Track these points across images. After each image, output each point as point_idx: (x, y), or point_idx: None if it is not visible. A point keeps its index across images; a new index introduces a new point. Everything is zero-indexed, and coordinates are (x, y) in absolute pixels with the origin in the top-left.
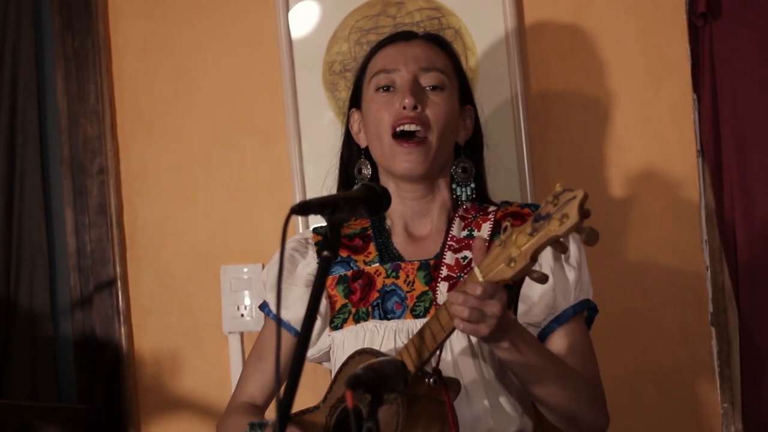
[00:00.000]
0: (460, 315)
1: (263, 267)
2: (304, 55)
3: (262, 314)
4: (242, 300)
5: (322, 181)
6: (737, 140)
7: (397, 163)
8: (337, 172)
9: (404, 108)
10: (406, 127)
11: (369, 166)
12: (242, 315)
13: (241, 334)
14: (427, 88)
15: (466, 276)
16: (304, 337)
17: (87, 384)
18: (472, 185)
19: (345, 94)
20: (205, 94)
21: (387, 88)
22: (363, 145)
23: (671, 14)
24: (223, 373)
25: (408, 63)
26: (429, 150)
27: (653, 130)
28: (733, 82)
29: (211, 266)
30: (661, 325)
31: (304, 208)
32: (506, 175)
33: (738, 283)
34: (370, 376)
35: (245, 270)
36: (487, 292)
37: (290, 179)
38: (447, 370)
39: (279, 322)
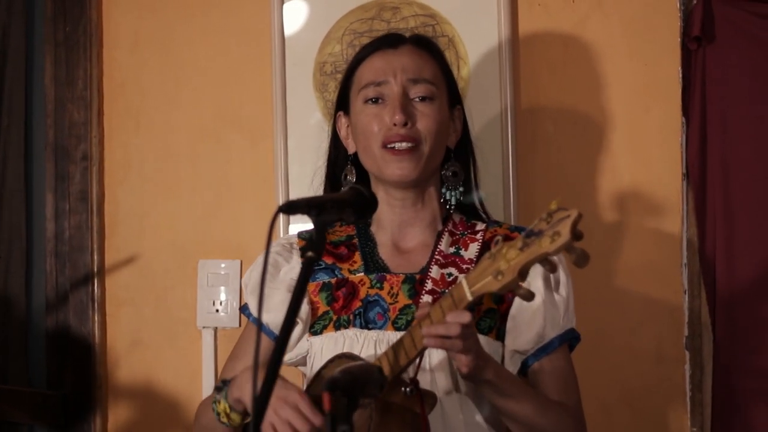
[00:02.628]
0: (428, 343)
1: (242, 264)
2: (296, 54)
3: (236, 310)
4: (218, 295)
5: (307, 181)
6: (723, 166)
7: (389, 170)
8: (324, 173)
9: (395, 125)
10: (397, 146)
11: (354, 173)
12: (217, 310)
13: (215, 330)
14: (417, 99)
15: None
16: (282, 338)
17: (57, 370)
18: (461, 189)
19: (334, 96)
20: (194, 89)
21: (376, 100)
22: (351, 151)
23: (665, 36)
24: (195, 368)
25: (396, 74)
26: (421, 157)
27: (640, 151)
28: (722, 108)
29: (189, 260)
30: (636, 346)
31: (292, 208)
32: (491, 187)
33: (715, 308)
34: (347, 379)
35: (223, 265)
36: (447, 327)
37: (274, 177)
38: (424, 382)
39: (260, 325)
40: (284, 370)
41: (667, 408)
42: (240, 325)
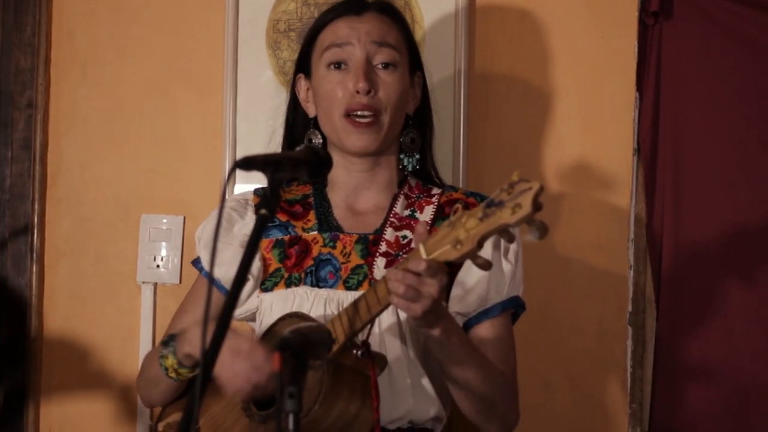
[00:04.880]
0: (396, 290)
1: (185, 219)
2: (250, 11)
3: (177, 266)
4: (159, 251)
5: (255, 138)
6: (674, 143)
7: (349, 141)
8: (282, 134)
9: (358, 92)
10: (359, 114)
11: (319, 136)
12: (158, 266)
13: (155, 285)
14: (379, 66)
15: (405, 254)
16: (234, 294)
17: None
18: (417, 156)
19: (287, 54)
20: (144, 41)
21: (339, 65)
22: (311, 114)
23: (623, 10)
24: (133, 323)
25: (360, 38)
26: (381, 129)
27: (592, 124)
28: (676, 84)
29: (131, 214)
30: (579, 321)
31: (248, 164)
32: (441, 151)
33: (659, 285)
34: (298, 340)
35: (165, 221)
36: (428, 271)
37: (222, 134)
38: (373, 345)
39: (212, 282)
40: (234, 325)
41: (608, 384)
42: (181, 282)
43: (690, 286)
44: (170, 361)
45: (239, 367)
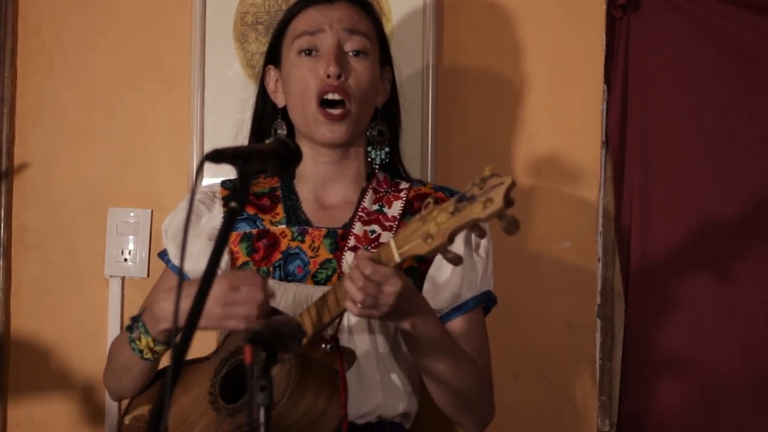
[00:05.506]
0: (354, 298)
1: (152, 213)
2: (217, 3)
3: (145, 260)
4: (127, 244)
5: (223, 131)
6: (642, 135)
7: (320, 132)
8: (249, 127)
9: (328, 76)
10: (330, 96)
11: (285, 127)
12: (125, 259)
13: (123, 279)
14: (350, 54)
15: (373, 249)
16: (204, 288)
17: None
18: (386, 149)
19: (255, 47)
20: (111, 33)
21: (310, 52)
22: (281, 104)
23: (591, 3)
24: (101, 317)
25: (332, 24)
26: (351, 121)
27: (560, 116)
28: (644, 77)
29: (98, 207)
30: (548, 313)
31: (218, 156)
32: (409, 144)
33: (628, 278)
34: (268, 333)
35: (132, 214)
36: (385, 279)
37: (190, 127)
38: (342, 340)
39: (181, 275)
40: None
41: (577, 376)
42: (148, 275)
43: (658, 279)
44: (144, 341)
45: (240, 296)
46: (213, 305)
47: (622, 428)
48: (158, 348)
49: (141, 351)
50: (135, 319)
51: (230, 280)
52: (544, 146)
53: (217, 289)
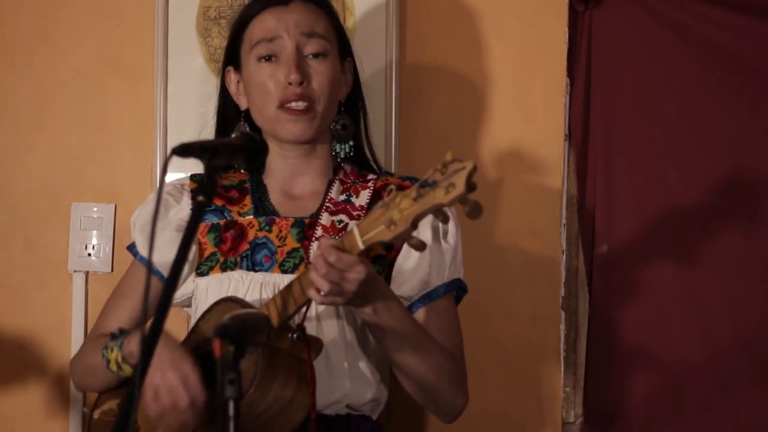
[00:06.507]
0: (319, 286)
1: (116, 208)
2: None
3: (109, 255)
4: (90, 239)
5: (186, 126)
6: (605, 128)
7: (284, 130)
8: (214, 126)
9: (290, 83)
10: (293, 105)
11: (248, 129)
12: (89, 254)
13: (86, 274)
14: (310, 56)
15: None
16: (172, 280)
17: None
18: (351, 143)
19: (218, 41)
20: (73, 28)
21: (269, 58)
22: (243, 107)
23: None
24: (65, 312)
25: (289, 29)
26: (315, 117)
27: (524, 110)
28: (606, 71)
29: (61, 202)
30: (512, 306)
31: (185, 150)
32: (374, 140)
33: (592, 269)
34: (237, 326)
35: (95, 209)
36: (349, 266)
37: (153, 122)
38: (310, 329)
39: (150, 268)
40: (170, 311)
41: (541, 368)
42: (113, 270)
43: (622, 270)
44: (114, 354)
45: (172, 381)
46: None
47: (588, 419)
48: (125, 366)
49: (109, 361)
50: (123, 331)
51: (172, 362)
52: (508, 139)
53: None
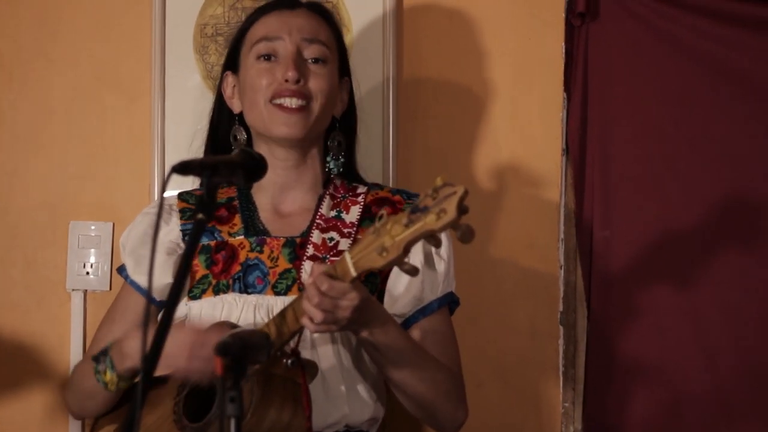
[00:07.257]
0: (312, 315)
1: (114, 226)
2: (177, 15)
3: (107, 273)
4: (88, 257)
5: (183, 143)
6: (602, 143)
7: (276, 126)
8: (205, 135)
9: (286, 80)
10: (287, 102)
11: (244, 132)
12: (87, 273)
13: (85, 292)
14: (309, 61)
15: (332, 256)
16: (171, 303)
17: None
18: (342, 159)
19: (215, 58)
20: (70, 45)
21: (268, 57)
22: (236, 110)
23: (550, 11)
24: (63, 330)
25: (291, 32)
26: (310, 115)
27: (521, 125)
28: (603, 85)
29: (59, 221)
30: (510, 320)
31: (185, 168)
32: (371, 156)
33: (590, 284)
34: (238, 344)
35: (93, 227)
36: (342, 294)
37: (150, 139)
38: (305, 352)
39: (150, 299)
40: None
41: (540, 383)
42: (111, 288)
43: (621, 285)
44: (109, 376)
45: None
46: (178, 351)
47: None
48: (122, 384)
49: (106, 383)
50: (104, 353)
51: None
52: (505, 153)
53: (184, 338)
